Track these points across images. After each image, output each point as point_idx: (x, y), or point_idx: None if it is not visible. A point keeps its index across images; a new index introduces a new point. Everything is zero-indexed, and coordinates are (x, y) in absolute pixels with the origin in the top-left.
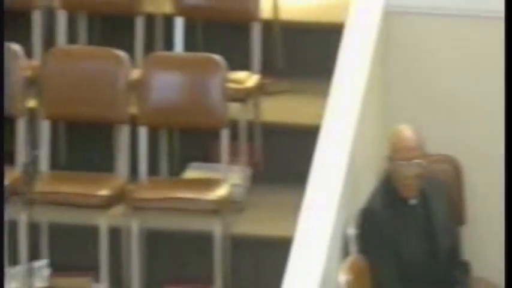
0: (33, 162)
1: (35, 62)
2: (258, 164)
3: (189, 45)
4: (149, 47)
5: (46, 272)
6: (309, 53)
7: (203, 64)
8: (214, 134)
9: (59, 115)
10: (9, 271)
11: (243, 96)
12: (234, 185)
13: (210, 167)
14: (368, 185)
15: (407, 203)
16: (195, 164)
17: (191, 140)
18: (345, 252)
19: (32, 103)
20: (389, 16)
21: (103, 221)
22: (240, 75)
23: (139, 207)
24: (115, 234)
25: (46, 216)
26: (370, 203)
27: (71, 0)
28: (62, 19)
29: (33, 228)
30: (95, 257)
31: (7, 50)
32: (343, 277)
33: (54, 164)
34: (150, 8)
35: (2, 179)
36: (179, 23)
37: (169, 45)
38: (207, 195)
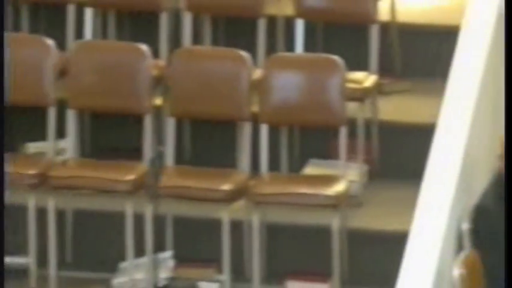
0: (159, 157)
1: (162, 61)
2: (375, 161)
3: (309, 46)
4: (271, 47)
5: (171, 263)
6: (425, 54)
7: (323, 64)
8: (333, 132)
9: (184, 113)
10: (135, 262)
11: (360, 95)
12: (351, 181)
13: (329, 164)
14: (481, 182)
15: None
16: (314, 161)
17: (310, 137)
18: (459, 247)
19: (158, 101)
20: (504, 19)
21: (225, 215)
22: (358, 75)
23: (260, 201)
24: (237, 227)
25: (171, 209)
26: (482, 199)
27: (197, 2)
28: (187, 21)
29: (159, 221)
30: (218, 249)
31: (136, 50)
32: (457, 271)
33: (179, 159)
34: (272, 10)
35: (2, 173)
36: (300, 25)
37: (290, 46)
38: (325, 191)
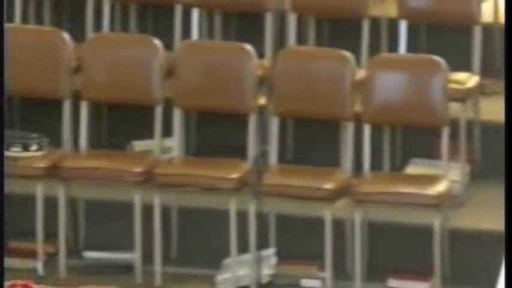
0: (262, 156)
1: (266, 62)
2: (477, 161)
3: (412, 47)
4: (374, 48)
5: (273, 260)
6: None
7: (425, 65)
8: (435, 132)
9: (287, 112)
10: (239, 259)
11: (463, 96)
12: (453, 181)
13: (431, 163)
14: None
15: None
16: (416, 160)
17: (413, 137)
18: None
19: (262, 100)
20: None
21: (328, 213)
22: (461, 76)
23: (362, 200)
24: (339, 225)
25: (274, 207)
26: None
27: (301, 4)
28: (292, 21)
29: (262, 219)
30: (320, 247)
31: (241, 50)
32: None
33: (282, 158)
34: (375, 11)
35: (2, 169)
36: (403, 26)
37: (393, 47)
38: (427, 190)
